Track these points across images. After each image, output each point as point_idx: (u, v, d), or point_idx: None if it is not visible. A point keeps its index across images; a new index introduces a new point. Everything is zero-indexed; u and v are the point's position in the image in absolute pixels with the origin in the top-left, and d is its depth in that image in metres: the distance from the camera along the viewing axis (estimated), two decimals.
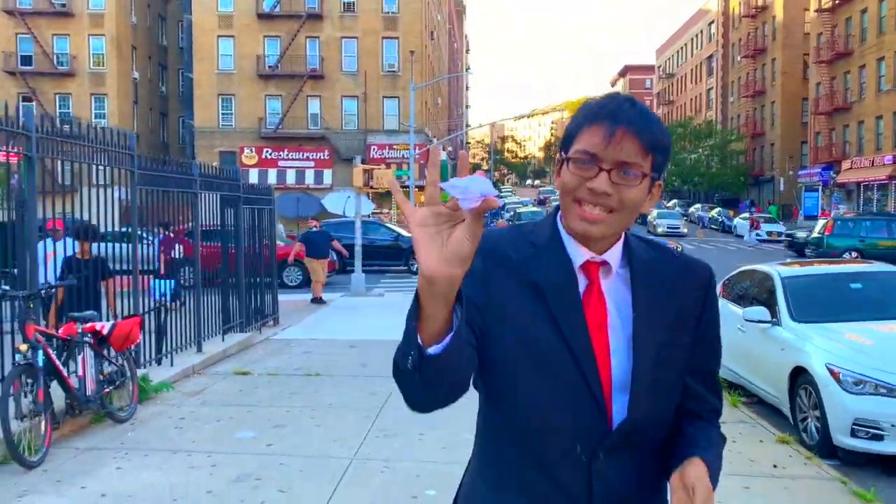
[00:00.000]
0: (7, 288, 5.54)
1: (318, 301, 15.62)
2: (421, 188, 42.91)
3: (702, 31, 76.14)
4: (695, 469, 1.37)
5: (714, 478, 1.39)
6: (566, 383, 1.41)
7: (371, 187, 22.04)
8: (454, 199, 1.08)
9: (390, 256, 23.63)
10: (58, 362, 5.62)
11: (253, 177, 38.69)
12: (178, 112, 52.56)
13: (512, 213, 51.13)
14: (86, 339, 6.03)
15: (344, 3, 43.94)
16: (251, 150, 43.91)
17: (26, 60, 44.94)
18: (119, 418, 6.27)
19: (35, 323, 5.54)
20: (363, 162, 27.52)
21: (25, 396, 5.19)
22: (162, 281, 8.92)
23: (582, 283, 1.45)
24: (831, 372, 6.12)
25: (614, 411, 1.41)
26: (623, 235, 1.48)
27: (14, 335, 5.65)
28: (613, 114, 1.36)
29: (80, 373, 5.89)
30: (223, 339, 10.19)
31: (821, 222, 26.56)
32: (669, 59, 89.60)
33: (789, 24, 55.78)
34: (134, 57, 47.38)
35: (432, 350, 1.19)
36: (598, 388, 1.40)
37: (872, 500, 4.78)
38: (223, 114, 44.36)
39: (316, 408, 7.02)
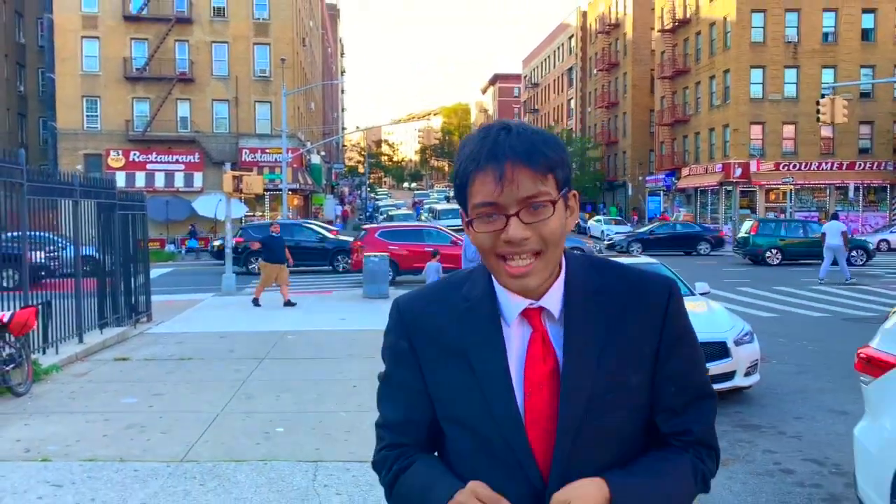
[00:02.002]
0: None
1: (256, 303, 15.62)
2: (294, 191, 43.91)
3: (563, 45, 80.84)
4: (574, 490, 1.24)
5: (624, 499, 1.26)
6: (499, 457, 1.32)
7: (242, 192, 23.02)
8: None
9: (316, 256, 24.93)
10: None
11: (120, 180, 38.35)
12: (38, 113, 50.77)
13: (385, 215, 52.99)
14: None
15: (214, 7, 44.16)
16: (118, 153, 43.33)
17: None
18: (18, 392, 7.47)
19: None
20: (234, 166, 28.45)
21: None
22: None
23: (527, 332, 1.34)
24: None
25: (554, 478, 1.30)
26: (564, 268, 1.36)
27: None
28: (493, 151, 1.26)
29: None
30: (101, 332, 11.28)
31: (747, 223, 29.88)
32: (535, 69, 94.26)
33: (638, 42, 60.61)
34: None
35: None
36: (527, 457, 1.30)
37: None
38: (88, 115, 43.50)
39: (189, 381, 8.43)
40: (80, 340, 10.41)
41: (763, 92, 44.00)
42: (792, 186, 41.89)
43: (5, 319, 7.36)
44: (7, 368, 7.40)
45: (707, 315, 8.57)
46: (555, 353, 1.32)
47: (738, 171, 43.46)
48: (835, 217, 22.44)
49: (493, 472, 1.31)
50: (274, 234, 16.26)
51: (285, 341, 11.24)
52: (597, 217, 49.75)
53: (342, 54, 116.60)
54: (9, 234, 8.69)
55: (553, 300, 1.34)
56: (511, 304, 1.34)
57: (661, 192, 49.96)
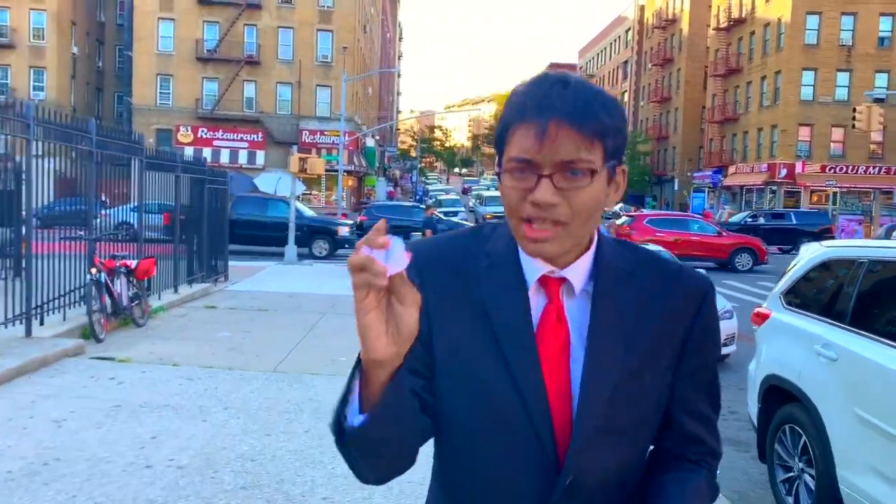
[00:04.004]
0: (82, 233, 8.75)
1: None
2: (349, 172, 46.14)
3: (619, 37, 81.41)
4: None
5: None
6: (514, 430, 1.19)
7: (305, 172, 25.17)
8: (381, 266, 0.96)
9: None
10: (108, 282, 8.90)
11: (188, 154, 41.02)
12: (113, 88, 54.05)
13: (433, 199, 54.92)
14: (121, 270, 9.30)
15: None
16: (187, 129, 46.15)
17: None
18: (139, 324, 9.57)
19: (98, 256, 8.80)
20: (297, 147, 30.70)
21: (95, 300, 8.46)
22: None
23: (541, 302, 1.22)
24: None
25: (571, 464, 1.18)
26: (595, 242, 1.24)
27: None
28: (541, 105, 1.12)
29: (119, 291, 9.17)
30: (190, 287, 13.42)
31: (887, 226, 30.13)
32: (591, 60, 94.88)
33: (694, 38, 61.13)
34: (73, 32, 48.77)
35: (356, 422, 1.07)
36: (549, 437, 1.18)
37: None
38: (161, 93, 46.42)
39: (269, 324, 10.46)
40: (175, 291, 12.55)
41: (813, 94, 44.50)
42: (836, 189, 42.41)
43: (133, 266, 9.45)
44: (133, 304, 9.50)
45: None
46: (567, 330, 1.21)
47: (784, 172, 44.15)
48: None
49: (507, 442, 1.19)
50: (431, 216, 18.67)
51: (342, 301, 13.21)
52: (642, 210, 51.01)
53: (400, 38, 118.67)
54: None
55: (578, 273, 1.22)
56: (531, 268, 1.22)
57: (707, 189, 50.88)
